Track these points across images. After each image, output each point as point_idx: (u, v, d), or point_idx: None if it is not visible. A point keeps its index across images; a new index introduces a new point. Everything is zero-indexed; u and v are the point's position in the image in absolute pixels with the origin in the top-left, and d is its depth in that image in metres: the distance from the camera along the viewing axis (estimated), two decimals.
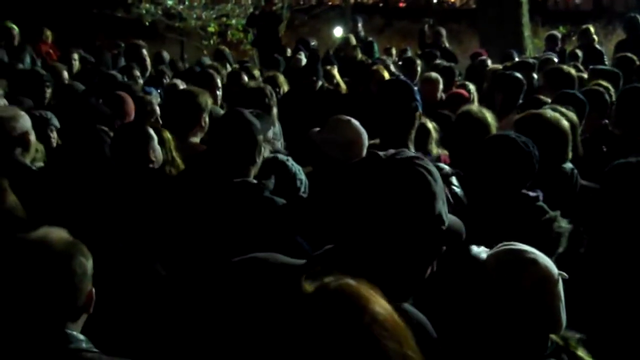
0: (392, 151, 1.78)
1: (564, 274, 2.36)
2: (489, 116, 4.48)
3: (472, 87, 7.31)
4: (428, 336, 1.82)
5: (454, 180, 3.77)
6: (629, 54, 8.36)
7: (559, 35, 11.71)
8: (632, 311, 2.99)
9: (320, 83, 7.70)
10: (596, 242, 3.25)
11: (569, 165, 3.90)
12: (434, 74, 7.42)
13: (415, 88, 3.98)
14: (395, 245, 1.68)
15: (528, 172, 3.33)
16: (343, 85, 8.05)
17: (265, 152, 4.60)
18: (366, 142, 3.88)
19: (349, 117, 3.93)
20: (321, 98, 7.36)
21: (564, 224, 3.05)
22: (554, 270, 2.35)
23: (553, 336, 2.34)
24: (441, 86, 7.19)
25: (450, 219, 1.79)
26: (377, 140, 3.87)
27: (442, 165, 3.89)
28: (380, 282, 1.63)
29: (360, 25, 13.80)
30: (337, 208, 1.77)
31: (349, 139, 3.84)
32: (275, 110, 5.51)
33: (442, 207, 1.73)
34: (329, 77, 8.11)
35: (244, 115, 3.62)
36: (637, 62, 7.89)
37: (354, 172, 1.77)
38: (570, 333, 2.39)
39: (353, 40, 12.10)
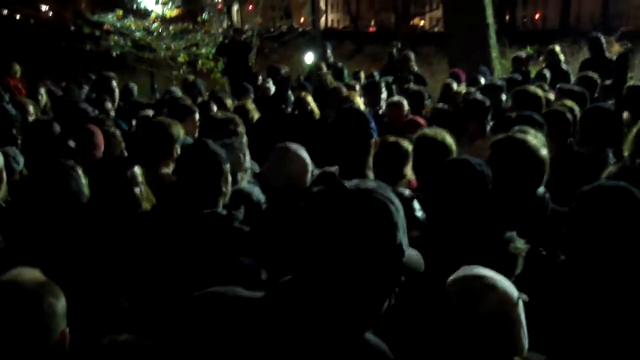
0: (355, 181, 1.78)
1: (524, 296, 2.39)
2: (447, 137, 4.51)
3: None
4: None
5: (415, 204, 3.82)
6: (590, 73, 8.47)
7: (525, 56, 11.84)
8: (600, 333, 3.01)
9: (289, 110, 7.71)
10: (570, 264, 3.21)
11: (541, 190, 3.91)
12: (397, 98, 7.52)
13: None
14: (355, 275, 1.68)
15: (481, 193, 3.35)
16: (317, 111, 8.07)
17: (244, 181, 4.63)
18: (309, 170, 3.93)
19: (291, 146, 3.98)
20: (292, 124, 7.38)
21: (520, 245, 3.05)
22: (514, 293, 2.37)
23: (516, 358, 2.35)
24: (406, 110, 7.24)
25: (410, 252, 1.79)
26: (335, 168, 3.90)
27: (402, 190, 3.93)
28: (340, 313, 1.71)
29: (329, 51, 13.88)
30: (297, 238, 1.75)
31: (291, 168, 3.91)
32: (245, 139, 5.51)
33: (402, 237, 1.74)
34: (303, 103, 8.13)
35: (209, 146, 3.62)
36: (599, 81, 7.99)
37: (315, 201, 1.76)
38: (533, 355, 2.42)
39: (324, 67, 12.15)
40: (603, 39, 10.98)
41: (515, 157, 3.83)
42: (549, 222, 3.76)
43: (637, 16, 32.79)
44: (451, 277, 2.45)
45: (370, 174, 3.67)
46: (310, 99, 8.18)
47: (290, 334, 1.70)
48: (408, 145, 4.47)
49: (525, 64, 11.50)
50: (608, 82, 7.70)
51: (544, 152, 3.94)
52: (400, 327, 2.40)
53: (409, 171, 4.42)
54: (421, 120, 6.78)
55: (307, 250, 1.72)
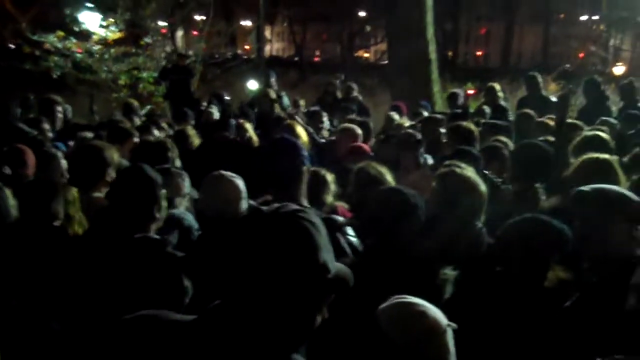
0: (275, 205, 1.84)
1: (453, 324, 2.41)
2: (386, 172, 4.60)
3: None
4: None
5: (349, 230, 3.89)
6: (527, 110, 8.70)
7: (461, 93, 12.07)
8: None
9: (232, 136, 7.70)
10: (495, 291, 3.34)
11: (479, 224, 4.02)
12: (350, 125, 7.59)
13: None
14: (281, 297, 1.72)
15: (415, 222, 3.45)
16: (255, 138, 8.07)
17: (181, 206, 4.60)
18: (243, 197, 3.95)
19: (224, 174, 4.00)
20: (232, 151, 7.35)
21: (448, 272, 3.14)
22: (443, 321, 2.40)
23: None
24: (357, 136, 7.28)
25: (337, 266, 1.83)
26: (269, 197, 3.94)
27: (335, 217, 3.99)
28: (269, 334, 1.74)
29: (273, 79, 13.94)
30: (224, 264, 1.79)
31: (225, 195, 3.91)
32: (178, 164, 5.49)
33: (327, 256, 1.78)
34: (241, 130, 8.12)
35: (145, 170, 3.60)
36: (536, 118, 8.20)
37: (238, 228, 1.80)
38: None
39: (272, 94, 12.18)
40: (540, 78, 11.28)
41: (458, 189, 3.98)
42: (484, 256, 3.84)
43: (576, 56, 33.85)
44: (382, 305, 2.47)
45: (305, 202, 3.71)
46: (248, 126, 8.19)
47: (218, 358, 1.72)
48: (326, 174, 4.63)
49: (461, 99, 11.71)
50: (542, 118, 7.92)
51: (483, 187, 4.09)
52: (330, 351, 2.46)
53: (329, 199, 4.59)
54: (366, 147, 6.83)
55: (233, 274, 1.75)
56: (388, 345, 2.36)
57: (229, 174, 4.01)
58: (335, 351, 2.51)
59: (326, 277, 1.77)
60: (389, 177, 4.63)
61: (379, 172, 4.62)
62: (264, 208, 1.84)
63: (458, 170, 4.16)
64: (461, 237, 3.79)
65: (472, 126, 6.67)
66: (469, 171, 4.21)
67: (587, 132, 6.02)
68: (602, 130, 6.26)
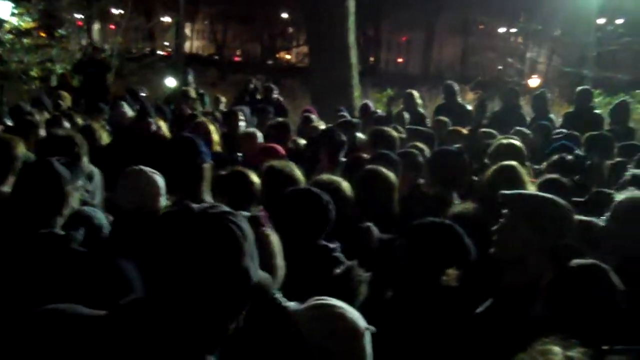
0: (206, 205, 1.81)
1: (372, 327, 2.40)
2: (296, 170, 4.60)
3: (302, 142, 7.57)
4: None
5: None
6: (442, 117, 8.86)
7: (371, 104, 12.15)
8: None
9: (153, 128, 7.60)
10: (399, 292, 3.44)
11: (365, 224, 4.10)
12: (251, 130, 7.61)
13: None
14: (201, 297, 1.69)
15: (323, 222, 3.49)
16: (169, 136, 7.93)
17: (75, 202, 4.45)
18: (160, 192, 3.90)
19: (143, 168, 3.94)
20: (146, 148, 7.22)
21: (362, 274, 3.13)
22: (361, 324, 2.39)
23: None
24: (259, 140, 7.25)
25: (259, 275, 1.82)
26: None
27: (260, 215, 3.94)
28: (185, 334, 1.72)
29: (191, 77, 13.76)
30: (145, 259, 1.76)
31: (144, 190, 3.85)
32: (85, 159, 5.35)
33: (250, 262, 1.75)
34: (157, 128, 7.96)
35: (53, 165, 3.49)
36: (449, 126, 8.35)
37: (163, 223, 1.77)
38: None
39: (192, 92, 12.03)
40: (456, 86, 11.50)
41: (375, 187, 4.20)
42: (376, 251, 3.97)
43: (493, 67, 34.78)
44: (301, 306, 2.46)
45: (209, 200, 3.67)
46: (163, 124, 8.05)
47: (130, 354, 1.69)
48: (254, 177, 4.58)
49: (366, 111, 11.77)
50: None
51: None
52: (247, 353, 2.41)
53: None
54: (278, 148, 6.80)
55: (152, 271, 1.73)
56: (304, 347, 2.33)
57: (148, 169, 3.93)
58: (249, 352, 2.46)
59: (247, 284, 1.75)
60: (300, 176, 4.59)
61: (290, 170, 4.59)
62: (195, 206, 1.78)
63: (375, 169, 4.34)
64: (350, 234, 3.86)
65: (393, 132, 6.74)
66: (390, 174, 4.38)
67: (502, 140, 6.14)
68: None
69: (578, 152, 6.54)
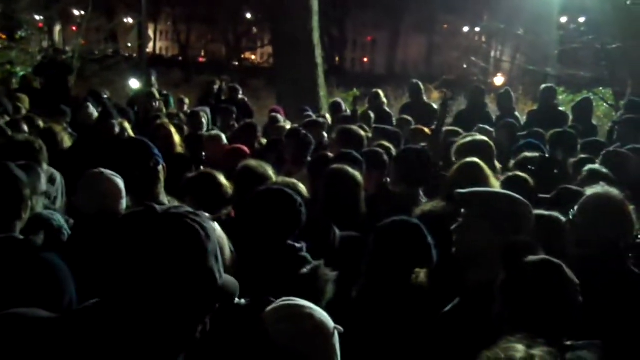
0: (169, 205, 1.79)
1: (340, 327, 2.39)
2: (269, 170, 4.59)
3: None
4: None
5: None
6: (405, 116, 8.91)
7: (340, 101, 12.16)
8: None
9: (117, 129, 7.52)
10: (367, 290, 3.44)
11: (326, 223, 4.09)
12: (214, 132, 7.59)
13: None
14: (165, 299, 1.66)
15: (294, 223, 3.47)
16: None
17: (38, 206, 4.37)
18: (121, 195, 3.88)
19: (104, 171, 3.90)
20: (109, 150, 7.13)
21: (328, 272, 3.13)
22: (330, 324, 2.38)
23: None
24: (224, 141, 7.24)
25: (225, 277, 1.79)
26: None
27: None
28: (149, 337, 1.68)
29: (154, 78, 13.64)
30: (104, 261, 1.71)
31: (105, 193, 3.82)
32: (45, 165, 5.27)
33: (214, 263, 1.73)
34: (121, 129, 7.88)
35: (10, 169, 3.41)
36: (413, 124, 8.38)
37: (126, 223, 1.74)
38: None
39: (156, 94, 11.93)
40: (422, 85, 11.53)
41: (343, 186, 4.28)
42: (337, 251, 3.95)
43: (458, 66, 35.07)
44: (269, 307, 2.45)
45: (165, 201, 3.64)
46: (127, 125, 7.97)
47: (84, 357, 1.65)
48: (222, 179, 4.61)
49: (338, 109, 11.79)
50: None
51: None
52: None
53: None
54: (244, 148, 6.76)
55: (115, 273, 1.68)
56: (272, 348, 2.32)
57: (109, 171, 3.88)
58: (217, 356, 2.42)
59: (212, 285, 1.72)
60: (273, 176, 4.57)
61: (263, 169, 4.56)
62: (157, 207, 1.74)
63: (342, 168, 4.38)
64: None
65: (360, 131, 6.74)
66: (356, 173, 4.45)
67: (467, 137, 6.16)
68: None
69: (543, 149, 6.59)
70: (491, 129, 8.50)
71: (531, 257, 2.68)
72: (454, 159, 5.46)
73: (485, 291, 2.98)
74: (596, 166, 5.44)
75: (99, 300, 1.75)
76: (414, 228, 3.52)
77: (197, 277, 1.69)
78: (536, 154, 6.04)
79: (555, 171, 5.91)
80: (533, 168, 5.55)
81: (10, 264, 3.09)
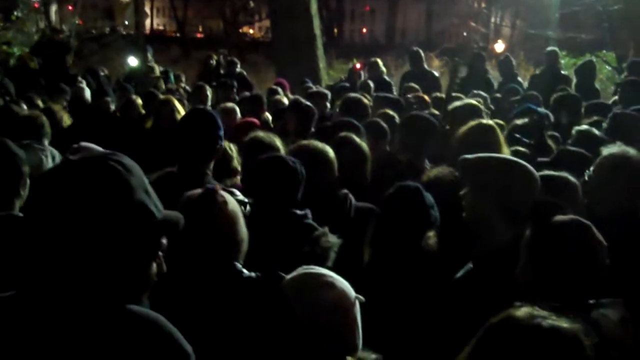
0: (84, 153, 1.83)
1: (361, 297, 2.41)
2: (277, 140, 4.54)
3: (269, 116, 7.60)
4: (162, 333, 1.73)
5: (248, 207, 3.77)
6: (412, 84, 8.82)
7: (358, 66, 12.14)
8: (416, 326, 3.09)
9: (112, 107, 7.47)
10: (377, 258, 3.44)
11: (343, 192, 4.05)
12: (230, 104, 7.51)
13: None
14: (104, 243, 1.63)
15: (294, 189, 3.48)
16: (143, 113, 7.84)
17: None
18: None
19: (89, 146, 3.90)
20: (115, 127, 7.13)
21: (332, 239, 3.13)
22: (351, 293, 2.40)
23: (349, 358, 2.37)
24: (238, 115, 7.21)
25: (165, 212, 1.78)
26: (174, 169, 3.88)
27: (235, 192, 3.85)
28: (98, 286, 1.66)
29: (150, 55, 13.56)
30: (39, 220, 1.67)
31: None
32: (46, 142, 5.24)
33: (144, 196, 1.71)
34: (132, 106, 7.84)
35: (8, 146, 3.44)
36: (420, 92, 8.29)
37: (44, 180, 1.72)
38: (365, 354, 2.42)
39: (157, 70, 11.87)
40: (422, 53, 11.43)
41: (347, 154, 4.21)
42: (353, 219, 3.93)
43: (458, 33, 34.84)
44: (289, 275, 2.47)
45: (210, 179, 3.75)
46: (139, 102, 7.92)
47: (45, 325, 1.63)
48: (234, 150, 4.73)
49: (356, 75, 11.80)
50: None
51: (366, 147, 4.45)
52: (235, 323, 2.43)
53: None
54: (255, 121, 6.71)
55: (49, 229, 1.64)
56: (293, 317, 2.34)
57: (90, 145, 3.86)
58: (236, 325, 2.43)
59: (148, 218, 1.71)
60: (281, 146, 4.51)
61: (271, 140, 4.51)
62: (72, 157, 1.74)
63: (348, 136, 4.39)
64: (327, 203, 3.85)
65: (364, 99, 6.69)
66: (362, 142, 4.47)
67: (457, 102, 6.04)
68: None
69: (542, 111, 6.49)
70: (485, 95, 8.43)
71: (560, 217, 2.62)
72: (447, 126, 5.40)
73: (495, 257, 2.96)
74: (584, 127, 5.40)
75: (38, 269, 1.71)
76: (412, 191, 3.49)
77: (128, 212, 1.66)
78: (526, 120, 5.91)
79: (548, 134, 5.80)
80: (519, 136, 5.45)
81: (9, 243, 3.03)
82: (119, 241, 1.65)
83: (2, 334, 1.63)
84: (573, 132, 5.30)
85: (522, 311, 1.80)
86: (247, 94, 9.13)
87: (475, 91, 8.30)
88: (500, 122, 5.83)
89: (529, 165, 3.18)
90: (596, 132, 5.20)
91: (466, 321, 2.17)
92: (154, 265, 1.77)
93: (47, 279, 1.66)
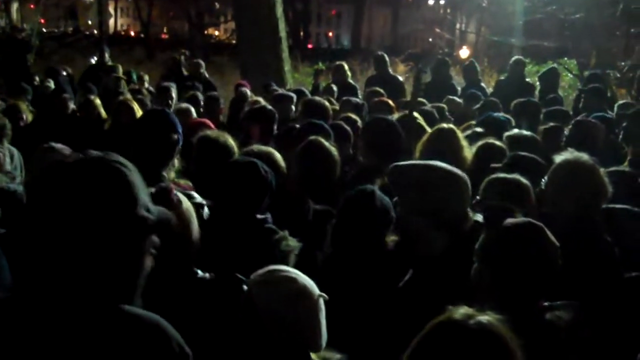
0: (78, 154, 1.77)
1: (325, 295, 2.43)
2: (229, 139, 4.49)
3: None
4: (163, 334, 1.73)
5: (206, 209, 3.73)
6: (376, 88, 8.86)
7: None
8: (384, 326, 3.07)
9: (72, 106, 7.40)
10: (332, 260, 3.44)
11: (301, 195, 4.08)
12: (184, 105, 7.46)
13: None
14: (107, 243, 1.64)
15: (261, 197, 3.46)
16: (104, 114, 7.76)
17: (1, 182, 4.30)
18: None
19: (56, 146, 3.91)
20: (74, 127, 7.06)
21: (292, 243, 3.16)
22: (314, 290, 2.42)
23: (313, 355, 2.40)
24: (193, 115, 7.15)
25: (157, 208, 1.79)
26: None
27: (193, 194, 3.81)
28: (104, 285, 1.66)
29: (107, 55, 13.44)
30: (41, 220, 1.66)
31: None
32: (6, 142, 5.18)
33: (144, 196, 1.73)
34: (91, 106, 7.75)
35: None
36: (385, 96, 8.32)
37: (40, 181, 1.71)
38: (330, 353, 2.46)
39: (119, 70, 11.77)
40: (387, 58, 11.45)
41: (317, 158, 4.22)
42: (311, 223, 3.95)
43: (423, 38, 35.11)
44: (253, 275, 2.49)
45: (166, 180, 3.60)
46: (98, 101, 7.85)
47: (45, 319, 1.62)
48: None
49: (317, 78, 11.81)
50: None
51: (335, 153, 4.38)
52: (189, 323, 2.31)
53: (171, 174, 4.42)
54: (208, 122, 6.65)
55: (51, 227, 1.64)
56: (256, 314, 2.36)
57: (59, 146, 3.77)
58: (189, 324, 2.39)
59: (149, 220, 1.72)
60: (234, 145, 4.47)
61: (224, 140, 4.46)
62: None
63: (316, 140, 4.36)
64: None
65: (325, 102, 6.69)
66: (331, 145, 4.44)
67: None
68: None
69: (503, 117, 6.58)
70: (459, 100, 8.52)
71: (512, 220, 2.62)
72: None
73: (432, 264, 2.99)
74: (515, 131, 5.54)
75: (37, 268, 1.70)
76: (367, 195, 3.45)
77: (133, 213, 1.68)
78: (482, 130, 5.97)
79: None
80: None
81: None
82: (121, 241, 1.67)
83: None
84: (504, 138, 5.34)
85: (459, 313, 1.87)
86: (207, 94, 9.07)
87: (449, 97, 8.41)
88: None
89: (457, 170, 3.15)
90: (526, 133, 5.40)
91: (408, 324, 2.18)
92: (147, 264, 1.78)
93: (47, 279, 1.65)
